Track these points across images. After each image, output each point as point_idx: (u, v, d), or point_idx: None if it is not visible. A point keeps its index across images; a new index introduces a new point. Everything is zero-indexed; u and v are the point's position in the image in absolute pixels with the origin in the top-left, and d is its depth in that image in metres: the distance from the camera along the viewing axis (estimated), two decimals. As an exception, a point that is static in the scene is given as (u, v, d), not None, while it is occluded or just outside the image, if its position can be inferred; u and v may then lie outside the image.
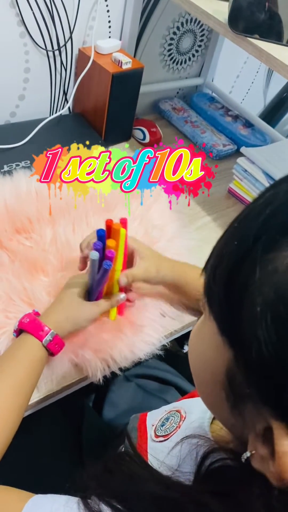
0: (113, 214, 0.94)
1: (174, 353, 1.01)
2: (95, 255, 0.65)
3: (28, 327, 0.65)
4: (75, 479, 0.42)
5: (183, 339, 1.44)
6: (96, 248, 0.66)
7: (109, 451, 0.69)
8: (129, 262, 0.76)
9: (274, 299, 0.29)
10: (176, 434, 0.56)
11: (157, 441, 0.58)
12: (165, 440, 0.57)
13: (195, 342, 0.41)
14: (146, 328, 0.75)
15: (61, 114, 1.16)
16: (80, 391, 0.76)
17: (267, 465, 0.33)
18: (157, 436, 0.59)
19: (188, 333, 0.94)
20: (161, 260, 0.79)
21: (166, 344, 0.78)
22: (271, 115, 1.75)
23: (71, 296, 0.70)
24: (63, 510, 0.40)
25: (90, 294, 0.72)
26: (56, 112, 1.19)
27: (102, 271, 0.67)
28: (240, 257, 0.32)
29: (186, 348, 1.44)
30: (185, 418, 0.58)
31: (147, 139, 1.21)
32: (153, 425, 0.62)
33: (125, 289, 0.75)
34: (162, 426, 0.60)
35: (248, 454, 0.35)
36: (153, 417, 0.64)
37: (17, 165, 1.00)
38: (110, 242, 0.67)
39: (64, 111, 1.18)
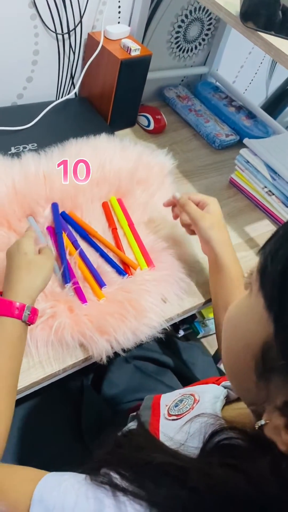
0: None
1: (171, 337, 1.03)
2: None
3: (1, 311, 0.62)
4: (83, 457, 0.45)
5: (179, 324, 1.48)
6: None
7: (110, 429, 0.71)
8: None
9: None
10: (189, 415, 0.57)
11: (169, 419, 0.59)
12: (178, 419, 0.58)
13: (235, 312, 0.43)
14: (148, 312, 0.78)
15: (67, 98, 1.17)
16: (79, 370, 0.79)
17: (279, 434, 0.36)
18: (170, 415, 0.60)
19: (184, 319, 0.97)
20: (220, 225, 0.84)
21: (167, 328, 0.80)
22: (273, 106, 1.76)
23: (26, 258, 0.67)
24: (71, 489, 0.42)
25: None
26: (62, 96, 1.20)
27: None
28: None
29: (181, 333, 1.47)
30: (198, 401, 0.59)
31: (152, 126, 1.22)
32: (166, 405, 0.63)
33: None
34: (175, 406, 0.61)
35: (262, 422, 0.38)
36: (167, 398, 0.65)
37: (24, 147, 1.01)
38: None
39: (71, 95, 1.19)
